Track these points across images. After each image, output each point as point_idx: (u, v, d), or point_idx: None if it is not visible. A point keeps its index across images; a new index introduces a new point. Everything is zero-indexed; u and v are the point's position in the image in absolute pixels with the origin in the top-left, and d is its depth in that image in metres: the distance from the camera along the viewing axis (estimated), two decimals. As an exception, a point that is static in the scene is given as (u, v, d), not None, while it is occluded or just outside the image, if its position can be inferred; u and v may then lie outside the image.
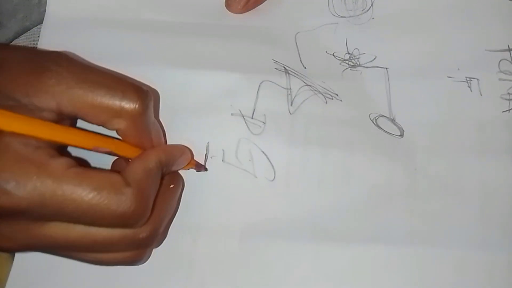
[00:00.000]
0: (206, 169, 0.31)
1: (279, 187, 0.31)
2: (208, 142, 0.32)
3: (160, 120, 0.31)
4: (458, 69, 0.33)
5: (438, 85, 0.33)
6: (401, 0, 0.35)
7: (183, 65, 0.33)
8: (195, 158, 0.31)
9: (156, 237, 0.26)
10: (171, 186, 0.28)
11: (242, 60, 0.34)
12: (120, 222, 0.23)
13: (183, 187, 0.30)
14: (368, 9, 0.35)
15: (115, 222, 0.23)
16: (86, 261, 0.26)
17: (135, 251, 0.26)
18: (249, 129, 0.32)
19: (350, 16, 0.35)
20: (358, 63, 0.35)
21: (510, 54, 0.33)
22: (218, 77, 0.33)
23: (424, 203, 0.32)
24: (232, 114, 0.32)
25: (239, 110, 0.32)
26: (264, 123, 0.32)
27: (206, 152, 0.31)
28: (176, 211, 0.30)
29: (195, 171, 0.31)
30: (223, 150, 0.31)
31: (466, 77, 0.33)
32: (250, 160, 0.31)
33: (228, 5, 0.35)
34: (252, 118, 0.32)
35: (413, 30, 0.35)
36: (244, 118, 0.32)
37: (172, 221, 0.30)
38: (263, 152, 0.32)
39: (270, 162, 0.32)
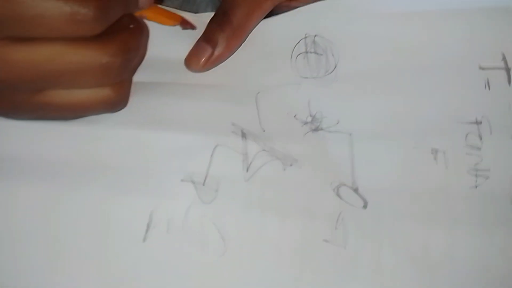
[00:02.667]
0: (194, 28, 0.30)
1: (230, 263, 0.29)
2: (151, 211, 0.29)
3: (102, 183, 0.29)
4: (424, 138, 0.31)
5: (404, 153, 0.31)
6: (367, 61, 0.34)
7: (134, 124, 0.31)
8: (134, 227, 0.28)
9: (120, 67, 0.26)
10: (131, 26, 0.27)
11: (198, 122, 0.31)
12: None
13: (147, 35, 0.29)
14: (332, 71, 0.34)
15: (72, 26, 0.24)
16: (60, 110, 0.27)
17: (107, 88, 0.27)
18: (199, 197, 0.29)
19: (313, 77, 0.34)
20: (320, 126, 0.33)
21: (478, 128, 0.31)
22: (169, 138, 0.31)
23: (393, 279, 0.29)
24: (181, 180, 0.30)
25: (190, 175, 0.30)
26: (217, 191, 0.30)
27: (148, 221, 0.29)
28: (141, 60, 0.29)
29: (181, 28, 0.29)
30: (168, 220, 0.29)
31: (432, 148, 0.31)
32: (198, 232, 0.29)
33: (188, 63, 0.33)
34: (204, 185, 0.30)
35: (378, 93, 0.33)
36: (194, 185, 0.30)
37: (136, 68, 0.29)
38: (213, 223, 0.29)
39: (220, 234, 0.29)
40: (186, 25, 0.30)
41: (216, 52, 0.33)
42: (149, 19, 0.30)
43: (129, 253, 0.28)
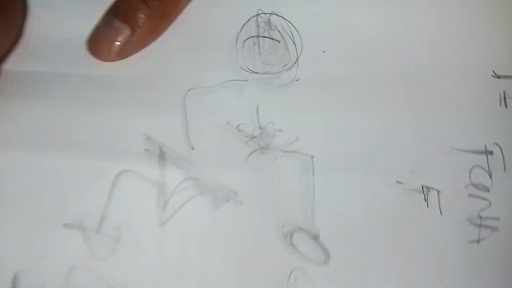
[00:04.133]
0: None
1: None
2: (16, 272, 0.20)
3: None
4: (412, 172, 0.23)
5: (382, 190, 0.23)
6: (341, 56, 0.24)
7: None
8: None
9: None
10: None
11: (92, 134, 0.22)
12: None
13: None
14: (292, 66, 0.24)
15: None
16: None
17: None
18: (90, 250, 0.20)
19: (265, 73, 0.24)
20: (271, 144, 0.23)
21: (488, 159, 0.23)
22: (48, 162, 0.21)
23: None
24: (65, 226, 0.20)
25: (77, 218, 0.21)
26: (117, 241, 0.21)
27: (12, 285, 0.19)
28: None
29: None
30: (41, 286, 0.20)
31: (422, 186, 0.23)
32: (85, 305, 0.20)
33: (94, 48, 0.23)
34: (98, 233, 0.21)
35: (354, 103, 0.24)
36: (84, 232, 0.20)
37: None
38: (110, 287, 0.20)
39: (119, 304, 0.20)
40: None
41: (136, 36, 0.23)
42: None
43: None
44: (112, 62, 0.23)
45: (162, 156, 0.22)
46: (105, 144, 0.22)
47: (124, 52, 0.23)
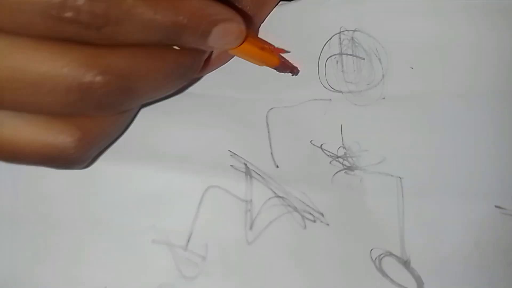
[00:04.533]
0: (297, 72, 0.23)
1: None
2: (105, 286, 0.19)
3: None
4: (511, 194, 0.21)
5: (480, 216, 0.22)
6: (430, 73, 0.23)
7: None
8: None
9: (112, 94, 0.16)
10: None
11: (180, 151, 0.22)
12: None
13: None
14: (377, 84, 0.24)
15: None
16: None
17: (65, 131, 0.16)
18: (178, 268, 0.20)
19: (349, 92, 0.24)
20: (357, 164, 0.23)
21: None
22: (138, 177, 0.21)
23: None
24: (153, 242, 0.20)
25: (165, 234, 0.20)
26: (204, 259, 0.20)
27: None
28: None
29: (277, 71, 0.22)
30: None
31: (524, 211, 0.21)
32: (174, 324, 0.19)
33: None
34: (186, 250, 0.20)
35: (445, 124, 0.23)
36: (172, 249, 0.20)
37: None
38: (198, 310, 0.20)
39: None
40: (284, 69, 0.22)
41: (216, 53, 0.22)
42: (238, 56, 0.21)
43: None
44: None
45: (248, 173, 0.22)
46: (192, 160, 0.22)
47: (207, 66, 0.23)
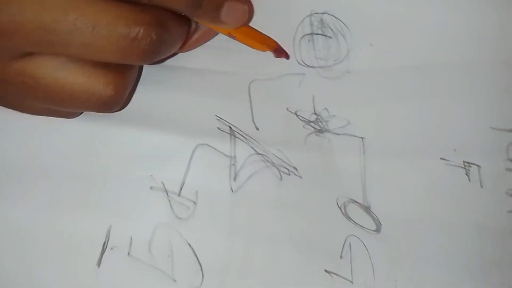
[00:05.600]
0: (287, 57, 0.26)
1: (208, 297, 0.23)
2: (110, 226, 0.23)
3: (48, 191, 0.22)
4: (455, 150, 0.25)
5: (427, 167, 0.25)
6: (388, 50, 0.27)
7: (92, 117, 0.24)
8: (87, 247, 0.22)
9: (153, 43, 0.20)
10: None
11: (174, 115, 0.25)
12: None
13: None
14: (343, 59, 0.27)
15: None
16: (40, 91, 0.20)
17: (102, 78, 0.21)
18: (173, 210, 0.23)
19: (319, 67, 0.27)
20: (326, 127, 0.26)
21: (523, 136, 0.25)
22: (136, 135, 0.24)
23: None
24: (151, 188, 0.23)
25: (161, 182, 0.24)
26: (195, 203, 0.24)
27: (105, 240, 0.22)
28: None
29: (273, 55, 0.26)
30: (131, 239, 0.23)
31: (464, 162, 0.25)
32: (169, 256, 0.23)
33: None
34: (179, 196, 0.24)
35: (399, 93, 0.27)
36: (167, 195, 0.23)
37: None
38: (189, 244, 0.23)
39: (197, 259, 0.23)
40: (280, 53, 0.26)
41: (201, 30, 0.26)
42: (238, 40, 0.25)
43: (79, 282, 0.22)
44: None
45: (232, 133, 0.25)
46: (184, 122, 0.25)
47: (190, 43, 0.26)
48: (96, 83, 0.20)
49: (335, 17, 0.28)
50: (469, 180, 0.25)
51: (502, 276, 0.24)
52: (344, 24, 0.28)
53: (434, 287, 0.24)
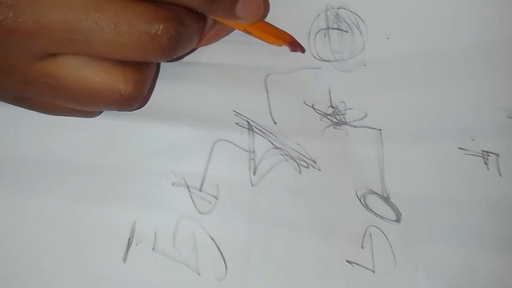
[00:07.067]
0: (303, 51, 0.27)
1: (232, 288, 0.23)
2: (134, 221, 0.23)
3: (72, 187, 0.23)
4: (473, 140, 0.25)
5: (446, 156, 0.26)
6: (403, 42, 0.27)
7: (114, 113, 0.25)
8: (113, 243, 0.22)
9: (172, 41, 0.20)
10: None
11: (193, 110, 0.25)
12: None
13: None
14: (359, 53, 0.28)
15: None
16: (63, 91, 0.21)
17: (123, 76, 0.21)
18: (195, 205, 0.24)
19: (335, 60, 0.28)
20: (343, 120, 0.27)
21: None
22: (157, 131, 0.25)
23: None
24: (173, 184, 0.24)
25: (183, 178, 0.24)
26: (216, 198, 0.24)
27: (130, 235, 0.23)
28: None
29: (288, 49, 0.26)
30: (155, 234, 0.23)
31: (482, 151, 0.25)
32: (193, 250, 0.23)
33: None
34: (201, 191, 0.24)
35: (416, 82, 0.27)
36: (189, 190, 0.24)
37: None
38: (211, 238, 0.23)
39: (220, 253, 0.23)
40: (295, 47, 0.26)
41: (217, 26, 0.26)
42: (254, 36, 0.25)
43: (105, 277, 0.22)
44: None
45: (250, 128, 0.26)
46: (202, 118, 0.25)
47: (207, 39, 0.27)
48: (116, 80, 0.21)
49: (351, 11, 0.28)
50: (487, 168, 0.25)
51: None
52: (360, 18, 0.28)
53: (455, 272, 0.24)
